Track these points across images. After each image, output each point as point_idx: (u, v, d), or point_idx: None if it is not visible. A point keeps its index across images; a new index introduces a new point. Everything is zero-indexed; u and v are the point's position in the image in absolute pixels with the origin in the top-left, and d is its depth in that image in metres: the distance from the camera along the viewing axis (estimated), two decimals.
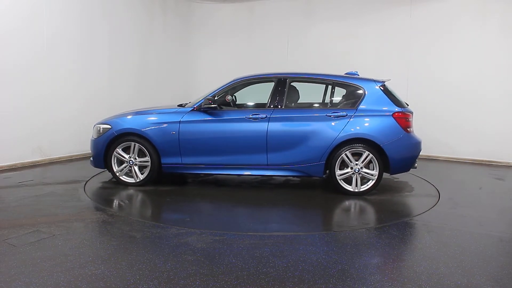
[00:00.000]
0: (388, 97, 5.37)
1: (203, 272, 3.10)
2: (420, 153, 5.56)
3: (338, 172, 5.28)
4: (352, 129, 5.23)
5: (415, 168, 5.56)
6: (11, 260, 3.25)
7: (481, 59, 7.78)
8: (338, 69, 6.38)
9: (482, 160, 7.84)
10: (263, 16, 9.74)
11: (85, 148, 7.73)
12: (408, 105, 5.62)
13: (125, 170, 5.69)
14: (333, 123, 5.28)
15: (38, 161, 6.97)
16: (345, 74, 5.75)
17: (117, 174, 5.71)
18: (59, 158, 7.33)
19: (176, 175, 6.36)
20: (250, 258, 3.37)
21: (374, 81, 5.49)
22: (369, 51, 8.65)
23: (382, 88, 5.43)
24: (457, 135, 8.05)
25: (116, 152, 5.65)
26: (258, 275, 3.08)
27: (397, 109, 5.29)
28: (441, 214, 4.69)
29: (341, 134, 5.22)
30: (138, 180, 5.66)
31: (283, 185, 5.94)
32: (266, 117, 5.40)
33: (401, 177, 6.32)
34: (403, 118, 5.26)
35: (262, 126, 5.38)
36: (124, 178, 5.70)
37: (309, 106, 5.89)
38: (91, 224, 4.14)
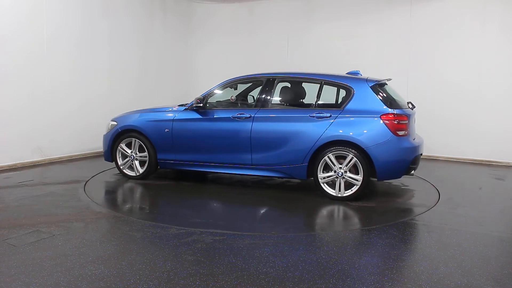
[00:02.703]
0: (379, 97, 5.06)
1: (203, 272, 3.10)
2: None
3: (321, 175, 5.08)
4: (334, 131, 5.00)
5: (412, 175, 5.23)
6: (11, 260, 3.25)
7: (481, 59, 7.77)
8: (338, 69, 6.36)
9: (482, 160, 7.84)
10: (263, 16, 9.73)
11: (85, 148, 7.77)
12: (413, 107, 5.48)
13: (128, 164, 6.04)
14: (316, 124, 5.09)
15: (38, 161, 6.97)
16: (346, 73, 5.66)
17: (121, 167, 6.06)
18: (59, 158, 7.32)
19: (180, 171, 6.40)
20: (250, 258, 3.37)
21: (366, 80, 5.23)
22: (369, 51, 8.64)
23: (374, 88, 5.14)
24: (457, 135, 8.04)
25: (120, 147, 6.03)
26: (258, 275, 3.08)
27: (386, 110, 4.96)
28: (441, 214, 4.69)
29: (323, 136, 5.02)
30: (138, 174, 5.98)
31: (281, 185, 5.94)
32: (250, 116, 5.40)
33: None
34: (392, 120, 4.91)
35: (246, 126, 5.39)
36: (127, 171, 6.07)
37: (296, 106, 5.65)
38: (91, 224, 4.14)
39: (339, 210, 4.81)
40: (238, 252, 3.48)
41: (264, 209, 4.91)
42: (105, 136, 6.22)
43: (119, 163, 6.07)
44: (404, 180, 6.14)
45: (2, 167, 6.43)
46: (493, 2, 7.64)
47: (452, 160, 8.08)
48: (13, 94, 6.55)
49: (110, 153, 6.11)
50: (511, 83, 7.60)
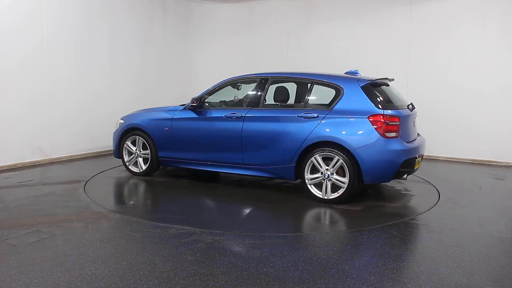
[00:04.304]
0: (370, 97, 4.89)
1: (203, 272, 3.10)
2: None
3: (308, 176, 4.99)
4: (321, 132, 4.90)
5: (404, 179, 5.09)
6: (11, 260, 3.25)
7: (481, 59, 7.76)
8: (338, 69, 6.36)
9: (482, 160, 7.84)
10: (263, 15, 9.73)
11: (85, 148, 7.77)
12: (412, 108, 5.32)
13: (133, 160, 6.27)
14: (303, 125, 5.01)
15: (38, 161, 6.97)
16: (345, 73, 5.61)
17: (127, 164, 6.29)
18: (59, 158, 7.32)
19: (183, 168, 6.46)
20: (250, 258, 3.37)
21: (357, 80, 5.08)
22: (369, 51, 8.64)
23: (365, 88, 4.97)
24: (457, 135, 8.04)
25: (126, 145, 6.26)
26: (258, 275, 3.08)
27: (375, 111, 4.79)
28: (441, 214, 4.68)
29: (310, 137, 4.93)
30: (141, 171, 6.19)
31: (278, 186, 5.93)
32: (241, 116, 5.43)
33: None
34: (381, 121, 4.73)
35: (237, 125, 5.42)
36: (132, 168, 6.28)
37: (286, 106, 5.52)
38: (91, 224, 4.14)
39: (339, 211, 4.80)
40: (238, 252, 3.48)
41: (260, 210, 4.90)
42: (114, 134, 6.46)
43: (125, 160, 6.28)
44: (403, 181, 6.12)
45: (2, 167, 6.43)
46: (493, 2, 7.64)
47: (452, 160, 8.08)
48: (13, 94, 6.55)
49: (118, 150, 6.34)
50: (511, 83, 7.60)
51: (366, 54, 8.63)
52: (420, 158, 5.27)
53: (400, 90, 6.07)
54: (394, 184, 5.99)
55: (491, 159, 7.79)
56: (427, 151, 7.65)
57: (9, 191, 5.25)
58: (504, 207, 5.08)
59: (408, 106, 5.32)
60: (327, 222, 4.60)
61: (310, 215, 4.77)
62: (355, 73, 5.52)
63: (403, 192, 5.69)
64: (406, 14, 8.33)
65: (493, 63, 7.69)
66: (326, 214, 4.75)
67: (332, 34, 8.98)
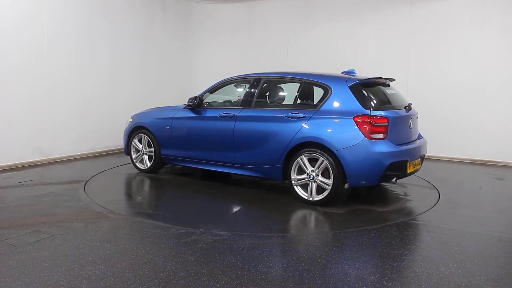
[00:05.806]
0: (357, 97, 4.76)
1: (203, 272, 3.10)
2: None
3: (294, 176, 4.93)
4: (306, 132, 4.84)
5: (394, 183, 4.94)
6: (11, 260, 3.25)
7: (481, 59, 7.77)
8: (338, 69, 6.35)
9: (482, 160, 7.84)
10: (263, 16, 9.73)
11: (85, 148, 7.77)
12: (409, 109, 5.17)
13: (140, 158, 6.48)
14: (289, 125, 4.97)
15: (38, 161, 6.97)
16: (342, 72, 5.55)
17: (134, 160, 6.53)
18: (59, 158, 7.32)
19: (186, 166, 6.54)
20: (250, 258, 3.37)
21: (346, 80, 4.97)
22: (369, 51, 8.64)
23: (353, 88, 4.84)
24: (457, 135, 8.04)
25: (133, 142, 6.48)
26: (258, 275, 3.08)
27: (361, 111, 4.65)
28: (441, 214, 4.69)
29: (296, 137, 4.88)
30: (146, 168, 6.39)
31: (276, 185, 5.93)
32: (234, 116, 5.47)
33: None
34: (366, 122, 4.59)
35: (230, 125, 5.48)
36: (138, 165, 6.50)
37: (276, 106, 5.46)
38: (91, 224, 4.14)
39: (342, 213, 4.80)
40: (238, 252, 3.48)
41: (261, 210, 4.90)
42: (124, 132, 6.68)
43: (133, 157, 6.52)
44: (403, 180, 6.12)
45: (2, 167, 6.43)
46: (493, 2, 7.64)
47: (452, 160, 8.08)
48: (13, 94, 6.55)
49: (127, 147, 6.59)
50: (511, 83, 7.60)
51: (366, 54, 8.63)
52: (418, 160, 5.14)
53: (400, 90, 6.05)
54: (392, 184, 5.98)
55: (491, 159, 7.79)
56: (428, 151, 7.65)
57: (9, 191, 5.25)
58: (504, 207, 5.08)
59: (405, 107, 5.17)
60: (328, 222, 4.60)
61: (311, 215, 4.76)
62: (351, 72, 5.46)
63: (403, 192, 5.69)
64: (406, 14, 8.33)
65: (493, 63, 7.69)
66: (328, 215, 4.75)
67: (332, 34, 8.98)
